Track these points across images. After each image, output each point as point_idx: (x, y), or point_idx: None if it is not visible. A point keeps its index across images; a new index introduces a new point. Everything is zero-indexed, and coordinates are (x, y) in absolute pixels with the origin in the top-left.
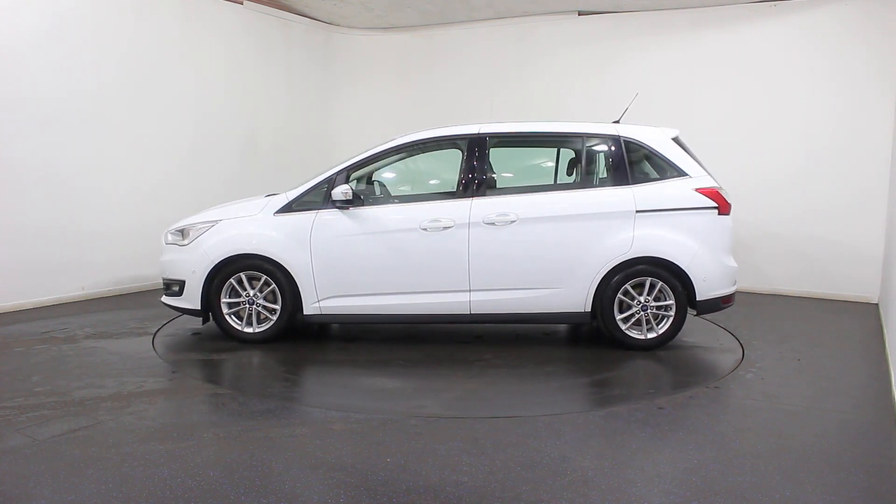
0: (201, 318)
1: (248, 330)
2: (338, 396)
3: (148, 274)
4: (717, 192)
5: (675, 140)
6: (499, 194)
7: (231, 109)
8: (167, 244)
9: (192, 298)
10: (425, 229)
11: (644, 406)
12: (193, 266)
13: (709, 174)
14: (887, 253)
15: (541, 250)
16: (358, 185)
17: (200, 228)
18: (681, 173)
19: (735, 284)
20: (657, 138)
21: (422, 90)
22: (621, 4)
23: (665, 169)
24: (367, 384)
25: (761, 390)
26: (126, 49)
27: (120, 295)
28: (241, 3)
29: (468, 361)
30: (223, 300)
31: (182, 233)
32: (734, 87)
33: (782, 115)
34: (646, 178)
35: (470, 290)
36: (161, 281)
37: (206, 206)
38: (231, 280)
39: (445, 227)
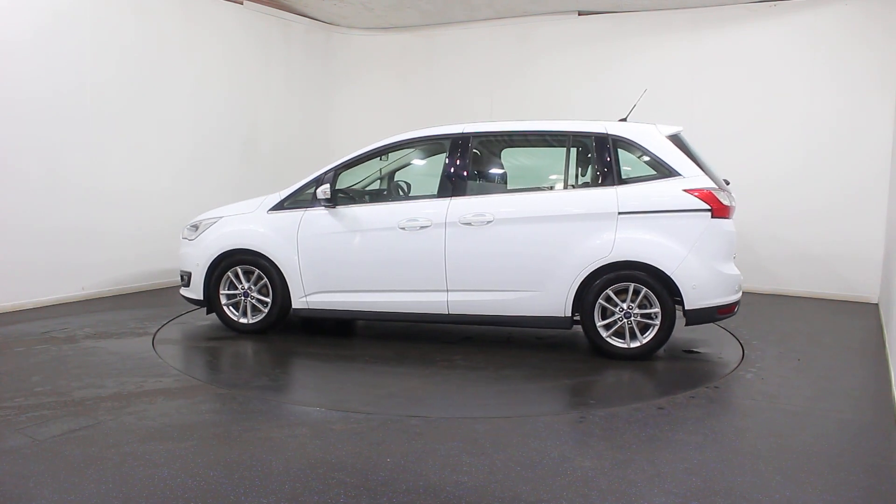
0: (205, 309)
1: (244, 321)
2: (271, 388)
3: (148, 274)
4: (711, 193)
5: (675, 138)
6: (478, 194)
7: (231, 109)
8: (182, 238)
9: (196, 290)
10: (403, 228)
11: (644, 406)
12: (197, 259)
13: (705, 174)
14: (887, 253)
15: (517, 252)
16: (346, 185)
17: (206, 224)
18: (673, 173)
19: (737, 293)
20: (649, 136)
21: (422, 90)
22: (621, 4)
23: (656, 168)
24: (317, 377)
25: (761, 390)
26: (126, 49)
27: (120, 295)
28: (241, 3)
29: (433, 361)
30: (222, 292)
31: (195, 228)
32: (734, 88)
33: (782, 115)
34: (633, 178)
35: (447, 291)
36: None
37: (206, 206)
38: (228, 273)
39: (423, 227)
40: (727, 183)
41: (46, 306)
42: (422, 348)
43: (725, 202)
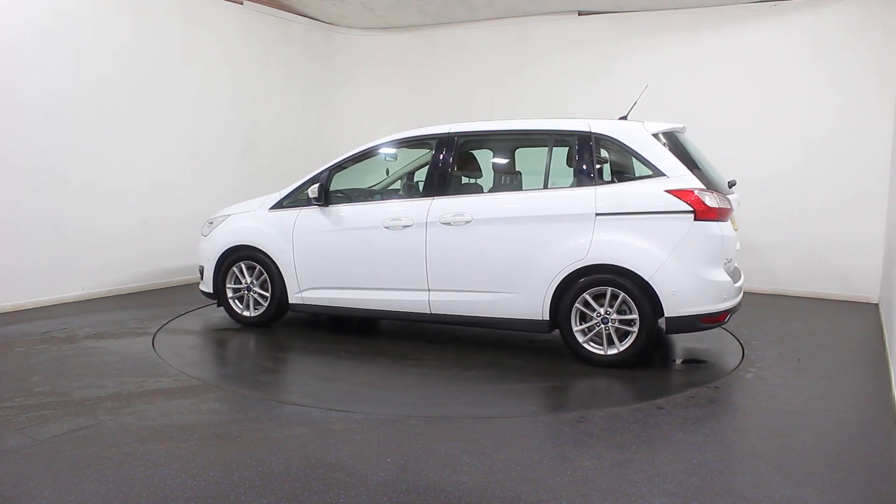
0: (216, 302)
1: (246, 314)
2: (226, 377)
3: (148, 274)
4: (694, 194)
5: (667, 135)
6: (460, 194)
7: (231, 109)
8: (202, 234)
9: (207, 283)
10: (388, 228)
11: (644, 406)
12: (208, 254)
13: (693, 174)
14: (887, 253)
15: (495, 252)
16: (338, 184)
17: (218, 220)
18: (657, 173)
19: (725, 301)
20: (633, 134)
21: (422, 90)
22: (621, 4)
23: (639, 168)
24: (282, 370)
25: (761, 390)
26: (126, 49)
27: (120, 295)
28: (241, 3)
29: (404, 358)
30: (228, 286)
31: (211, 224)
32: (734, 88)
33: (782, 115)
34: (614, 178)
35: (429, 290)
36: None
37: (207, 206)
38: (233, 268)
39: (405, 226)
40: (732, 184)
41: (46, 306)
42: (401, 346)
43: (711, 203)
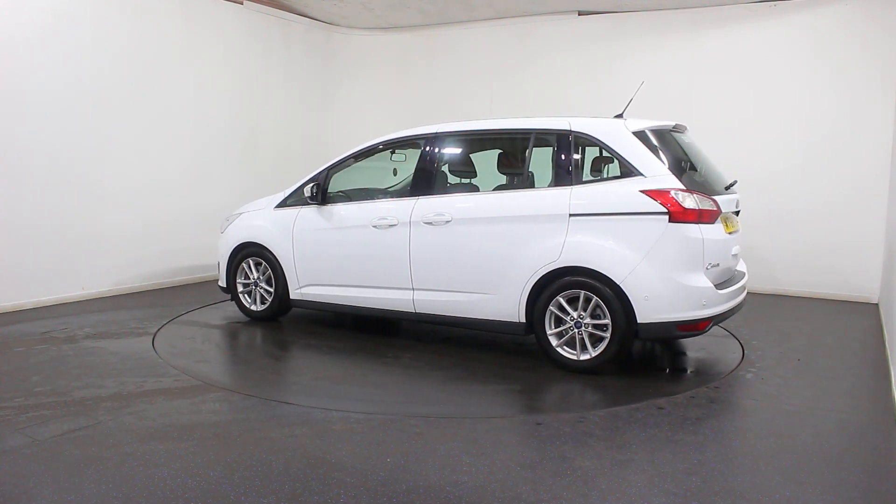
0: (230, 296)
1: (254, 308)
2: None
3: (148, 274)
4: (668, 194)
5: (655, 133)
6: (443, 194)
7: (231, 109)
8: (220, 232)
9: (222, 278)
10: (376, 227)
11: (644, 406)
12: (223, 250)
13: (674, 174)
14: (887, 253)
15: (472, 252)
16: (335, 184)
17: (233, 218)
18: (634, 172)
19: (706, 308)
20: (612, 133)
21: (422, 90)
22: (621, 4)
23: (617, 167)
24: (261, 363)
25: (761, 390)
26: (125, 49)
27: (120, 295)
28: (241, 3)
29: (383, 356)
30: (238, 281)
31: (228, 221)
32: (734, 88)
33: (782, 115)
34: (592, 178)
35: (413, 289)
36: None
37: (206, 206)
38: (243, 264)
39: (391, 226)
40: (730, 185)
41: (46, 306)
42: (385, 344)
43: (689, 205)
